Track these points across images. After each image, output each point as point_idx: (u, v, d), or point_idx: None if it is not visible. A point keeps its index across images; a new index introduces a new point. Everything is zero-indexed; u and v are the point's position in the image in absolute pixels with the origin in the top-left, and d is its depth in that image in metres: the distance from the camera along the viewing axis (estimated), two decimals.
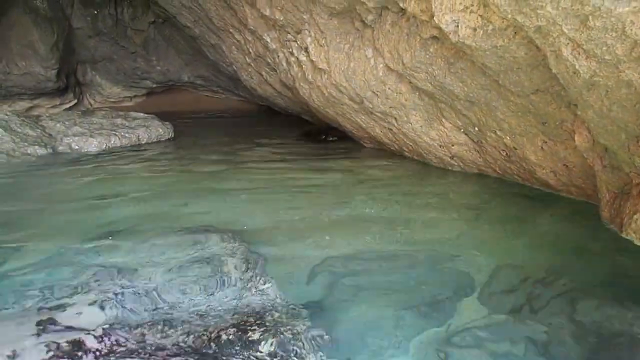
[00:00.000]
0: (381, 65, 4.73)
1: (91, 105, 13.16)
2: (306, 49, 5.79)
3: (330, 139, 7.76)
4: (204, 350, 2.03)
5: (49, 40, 10.38)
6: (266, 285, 2.65)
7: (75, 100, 12.29)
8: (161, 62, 12.63)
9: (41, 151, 6.36)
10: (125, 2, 11.40)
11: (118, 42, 11.91)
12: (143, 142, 7.39)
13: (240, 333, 2.13)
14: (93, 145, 6.81)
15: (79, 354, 1.97)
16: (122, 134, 7.22)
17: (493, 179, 4.82)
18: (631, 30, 2.06)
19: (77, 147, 6.77)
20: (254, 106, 13.87)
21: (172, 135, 7.87)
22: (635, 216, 3.03)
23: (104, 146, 6.89)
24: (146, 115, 8.13)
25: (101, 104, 13.35)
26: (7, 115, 6.82)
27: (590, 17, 2.15)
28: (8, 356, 1.92)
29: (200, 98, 14.74)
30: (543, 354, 1.99)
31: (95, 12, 11.21)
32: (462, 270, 2.81)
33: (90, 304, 2.39)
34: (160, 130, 7.71)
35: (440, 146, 5.06)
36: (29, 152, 6.28)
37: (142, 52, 12.29)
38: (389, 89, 4.83)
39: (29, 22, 10.06)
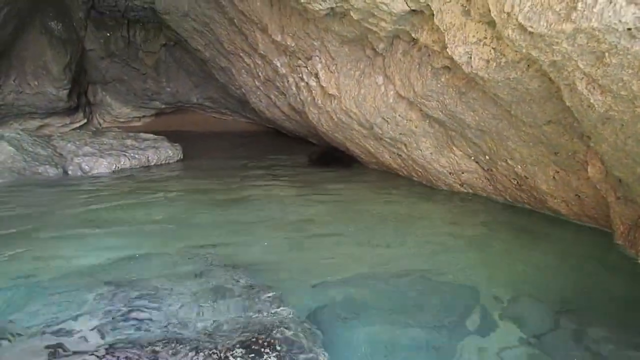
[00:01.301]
0: (392, 93, 4.78)
1: (100, 124, 13.33)
2: (316, 75, 5.87)
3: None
4: None
5: (62, 61, 10.58)
6: (275, 305, 2.65)
7: (85, 120, 12.45)
8: (171, 83, 12.84)
9: (52, 171, 6.40)
10: (138, 25, 11.66)
11: (129, 64, 12.14)
12: (152, 164, 7.43)
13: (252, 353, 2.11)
14: (103, 165, 6.85)
15: None
16: (132, 154, 7.27)
17: (503, 204, 4.81)
18: None
19: (87, 167, 6.80)
20: (261, 128, 14.00)
21: (182, 157, 7.92)
22: None
23: (114, 167, 6.93)
24: (156, 136, 8.19)
25: (110, 123, 13.52)
26: (19, 134, 6.90)
27: (606, 54, 2.18)
28: None
29: (208, 119, 14.91)
30: None
31: (108, 34, 11.47)
32: (472, 295, 2.79)
33: (96, 326, 2.38)
34: (170, 152, 7.76)
35: (450, 173, 5.07)
36: (39, 171, 6.32)
37: (152, 73, 12.51)
38: (399, 115, 4.87)
39: (44, 42, 10.28)
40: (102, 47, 11.48)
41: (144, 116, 14.12)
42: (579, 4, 2.08)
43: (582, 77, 2.47)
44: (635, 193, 3.03)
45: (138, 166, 7.21)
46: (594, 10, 2.03)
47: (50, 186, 5.75)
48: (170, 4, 9.07)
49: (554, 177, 3.91)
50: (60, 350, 2.18)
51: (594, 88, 2.46)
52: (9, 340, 2.26)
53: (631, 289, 2.96)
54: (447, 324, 2.49)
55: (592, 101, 2.53)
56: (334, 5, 4.22)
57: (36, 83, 10.58)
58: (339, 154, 7.65)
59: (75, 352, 2.16)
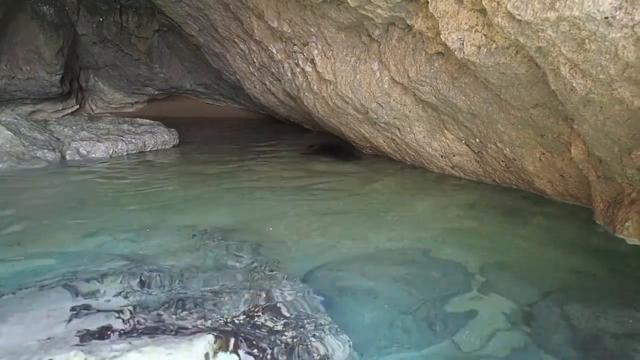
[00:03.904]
0: (386, 78, 4.95)
1: (92, 110, 13.32)
2: (312, 61, 6.00)
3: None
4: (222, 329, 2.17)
5: (54, 46, 10.55)
6: (274, 272, 2.84)
7: (77, 106, 12.44)
8: (164, 69, 12.84)
9: (50, 155, 6.49)
10: (131, 10, 11.61)
11: (122, 49, 12.10)
12: (149, 149, 7.55)
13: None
14: (100, 150, 6.95)
15: (108, 333, 2.12)
16: (129, 139, 7.37)
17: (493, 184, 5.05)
18: (623, 53, 2.28)
19: (84, 151, 6.90)
20: (254, 114, 14.08)
21: (178, 142, 8.03)
22: (626, 223, 3.25)
23: (111, 151, 7.04)
24: (152, 121, 8.28)
25: (102, 109, 13.51)
26: (16, 119, 6.95)
27: (586, 41, 2.38)
28: (41, 340, 2.05)
29: (200, 105, 14.94)
30: (537, 345, 2.17)
31: (101, 19, 11.41)
32: (461, 267, 2.99)
33: (116, 289, 2.54)
34: (166, 137, 7.86)
35: (442, 156, 5.27)
36: (38, 155, 6.40)
37: (145, 59, 12.49)
38: (393, 100, 5.05)
39: (36, 27, 10.23)
40: (95, 32, 11.43)
41: (136, 102, 14.12)
42: None
43: (565, 62, 2.66)
44: (614, 171, 3.26)
45: (135, 151, 7.33)
46: (576, 0, 2.22)
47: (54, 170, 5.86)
48: None
49: (540, 159, 4.14)
50: (79, 309, 2.33)
51: (576, 72, 2.66)
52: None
53: (607, 260, 3.21)
54: (436, 294, 2.67)
55: (574, 85, 2.73)
56: None
57: (28, 68, 10.55)
58: (338, 143, 7.79)
59: (86, 312, 2.31)
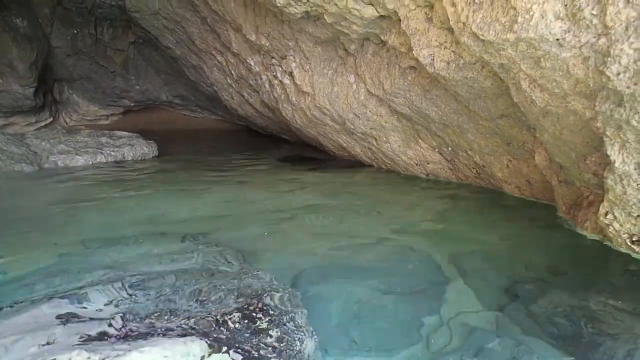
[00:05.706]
0: (363, 90, 5.17)
1: (66, 123, 13.13)
2: (291, 73, 6.19)
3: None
4: (211, 332, 2.29)
5: (28, 58, 10.42)
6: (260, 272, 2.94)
7: (51, 119, 12.26)
8: (140, 81, 12.82)
9: (28, 168, 6.46)
10: (106, 23, 11.58)
11: (97, 62, 12.04)
12: (128, 160, 7.56)
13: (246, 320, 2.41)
14: (79, 163, 6.95)
15: (105, 338, 2.21)
16: (108, 152, 7.37)
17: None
18: (574, 70, 2.54)
19: (62, 164, 6.88)
20: (230, 125, 14.16)
21: (157, 154, 8.05)
22: (586, 224, 3.52)
23: (90, 164, 7.04)
24: (130, 134, 8.29)
25: (77, 122, 13.34)
26: None
27: (542, 59, 2.63)
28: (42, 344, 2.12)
29: (177, 117, 14.92)
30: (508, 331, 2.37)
31: (75, 31, 11.34)
32: (437, 260, 3.16)
33: (102, 297, 2.61)
34: (145, 149, 7.89)
35: (416, 164, 5.52)
36: (16, 169, 6.36)
37: (121, 71, 12.44)
38: (369, 111, 5.27)
39: (9, 40, 10.09)
40: (69, 44, 11.34)
41: (111, 114, 13.99)
42: (519, 18, 2.52)
43: (525, 78, 2.92)
44: (573, 176, 3.54)
45: (114, 163, 7.34)
46: (531, 23, 2.47)
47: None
48: (141, 1, 9.12)
49: (507, 165, 4.42)
50: (67, 318, 2.40)
51: (534, 87, 2.92)
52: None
53: (567, 247, 3.45)
54: (409, 287, 2.79)
55: (533, 98, 2.99)
56: (309, 9, 4.55)
57: (1, 81, 10.38)
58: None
59: (79, 320, 2.39)
